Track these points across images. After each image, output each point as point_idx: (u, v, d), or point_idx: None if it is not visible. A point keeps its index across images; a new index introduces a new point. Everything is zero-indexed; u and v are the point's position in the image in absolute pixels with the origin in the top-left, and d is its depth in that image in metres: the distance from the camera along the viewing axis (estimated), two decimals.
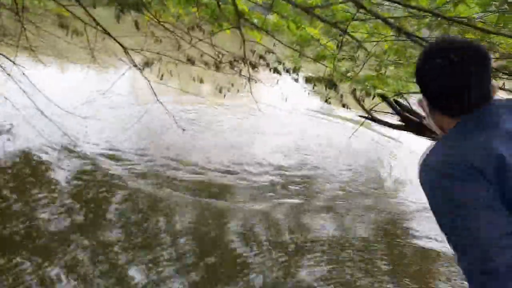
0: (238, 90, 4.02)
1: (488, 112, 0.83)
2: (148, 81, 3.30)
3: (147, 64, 3.52)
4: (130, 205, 2.38)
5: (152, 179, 3.01)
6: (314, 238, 2.26)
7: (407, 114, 2.88)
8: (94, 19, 3.02)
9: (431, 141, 3.67)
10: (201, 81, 3.80)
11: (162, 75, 3.63)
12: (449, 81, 0.84)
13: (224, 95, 4.06)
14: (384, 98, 3.40)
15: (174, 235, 2.11)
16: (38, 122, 3.55)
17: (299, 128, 5.27)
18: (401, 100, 3.23)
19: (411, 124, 2.53)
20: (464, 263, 0.76)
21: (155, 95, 3.38)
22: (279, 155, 3.89)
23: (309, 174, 3.47)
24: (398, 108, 3.07)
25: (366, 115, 3.34)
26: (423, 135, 2.92)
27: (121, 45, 3.21)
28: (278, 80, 4.22)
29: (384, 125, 3.19)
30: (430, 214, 0.79)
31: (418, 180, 0.85)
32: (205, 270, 1.81)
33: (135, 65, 3.34)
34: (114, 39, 3.12)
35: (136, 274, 1.81)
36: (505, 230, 0.73)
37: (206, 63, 3.81)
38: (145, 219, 2.22)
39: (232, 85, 4.10)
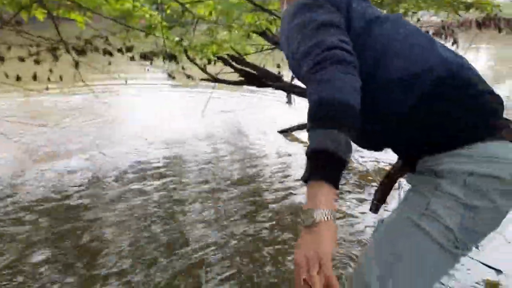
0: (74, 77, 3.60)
1: None
2: None
3: None
4: None
5: None
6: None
7: (246, 69, 3.08)
8: None
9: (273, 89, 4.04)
10: (18, 78, 3.26)
11: None
12: None
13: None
14: (223, 60, 3.54)
15: None
16: None
17: (151, 104, 5.10)
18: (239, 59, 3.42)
19: (251, 77, 2.73)
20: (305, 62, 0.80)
21: None
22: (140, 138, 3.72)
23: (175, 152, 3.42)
24: (238, 66, 3.26)
25: (208, 78, 3.44)
26: (264, 86, 3.18)
27: None
28: (110, 62, 3.92)
29: (228, 83, 3.36)
30: None
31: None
32: None
33: None
34: None
35: None
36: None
37: (22, 59, 3.28)
38: None
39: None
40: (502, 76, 9.48)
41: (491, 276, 1.73)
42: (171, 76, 4.36)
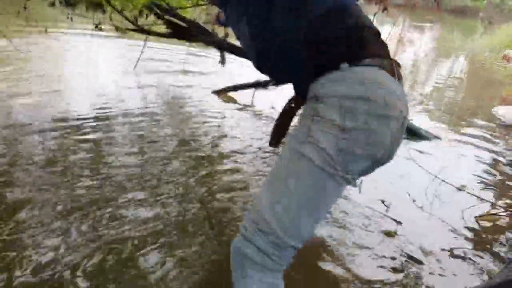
0: None
1: None
2: None
3: None
4: None
5: None
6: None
7: (177, 21, 2.93)
8: None
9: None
10: None
11: None
12: None
13: None
14: (155, 12, 3.33)
15: None
16: None
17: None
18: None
19: (181, 30, 2.60)
20: None
21: None
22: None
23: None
24: (169, 18, 3.09)
25: (136, 28, 3.23)
26: (194, 40, 3.04)
27: None
28: (25, 6, 3.53)
29: (156, 35, 3.18)
30: None
31: None
32: None
33: None
34: None
35: None
36: None
37: None
38: None
39: None
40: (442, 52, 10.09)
41: (393, 227, 1.92)
42: (98, 27, 4.05)
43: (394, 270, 1.63)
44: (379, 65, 0.90)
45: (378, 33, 0.96)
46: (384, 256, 1.71)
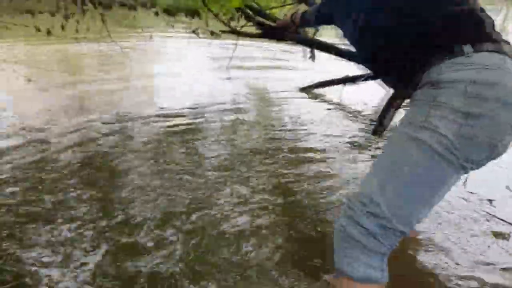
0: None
1: None
2: None
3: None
4: None
5: None
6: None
7: (267, 22, 3.03)
8: None
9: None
10: (49, 32, 3.38)
11: None
12: None
13: None
14: (246, 14, 3.49)
15: None
16: None
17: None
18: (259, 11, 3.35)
19: (271, 30, 2.70)
20: None
21: None
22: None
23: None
24: (257, 18, 3.21)
25: (228, 29, 3.41)
26: (284, 39, 3.12)
27: None
28: (135, 16, 3.99)
29: (248, 36, 3.32)
30: None
31: None
32: None
33: None
34: None
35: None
36: None
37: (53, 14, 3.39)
38: None
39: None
40: None
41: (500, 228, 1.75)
42: (195, 33, 4.40)
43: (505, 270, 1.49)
44: (502, 50, 0.87)
45: (491, 18, 0.94)
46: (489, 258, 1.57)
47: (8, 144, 2.34)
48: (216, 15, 3.59)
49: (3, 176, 1.96)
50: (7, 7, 3.09)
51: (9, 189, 1.87)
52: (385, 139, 2.66)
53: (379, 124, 1.11)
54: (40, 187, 1.89)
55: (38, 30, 3.17)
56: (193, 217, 1.72)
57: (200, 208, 1.79)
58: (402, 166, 0.89)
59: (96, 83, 3.81)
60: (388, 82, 1.11)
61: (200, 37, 4.17)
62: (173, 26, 4.47)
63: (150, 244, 1.52)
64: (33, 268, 1.36)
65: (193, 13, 3.86)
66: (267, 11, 3.32)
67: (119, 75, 4.09)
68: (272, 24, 2.74)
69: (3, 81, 3.79)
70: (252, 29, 3.63)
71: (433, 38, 0.90)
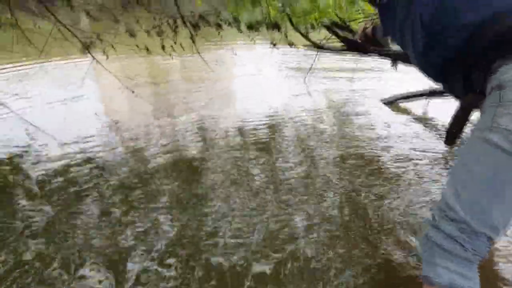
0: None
1: None
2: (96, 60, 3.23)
3: (89, 46, 3.42)
4: None
5: None
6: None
7: (349, 37, 3.02)
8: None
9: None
10: (147, 50, 3.74)
11: (106, 53, 3.55)
12: None
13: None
14: (327, 27, 3.51)
15: None
16: None
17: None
18: (342, 25, 3.36)
19: (354, 44, 2.69)
20: None
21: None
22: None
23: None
24: (340, 32, 3.21)
25: (313, 45, 3.46)
26: (368, 52, 3.08)
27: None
28: (220, 34, 4.22)
29: (329, 51, 3.33)
30: None
31: None
32: None
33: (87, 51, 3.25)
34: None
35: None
36: None
37: (147, 31, 3.76)
38: None
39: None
40: None
41: None
42: (273, 44, 4.52)
43: None
44: None
45: None
46: None
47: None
48: (295, 27, 3.65)
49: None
50: (108, 28, 3.51)
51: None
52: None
53: (450, 133, 1.10)
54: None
55: (138, 47, 3.54)
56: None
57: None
58: (473, 169, 0.91)
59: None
60: (456, 92, 1.11)
61: (278, 48, 4.30)
62: (254, 40, 4.64)
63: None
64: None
65: (273, 26, 3.97)
66: (348, 23, 3.29)
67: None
68: (351, 37, 2.72)
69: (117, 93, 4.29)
70: (334, 41, 3.64)
71: (496, 43, 0.92)
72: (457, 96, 1.14)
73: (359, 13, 3.80)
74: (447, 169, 2.34)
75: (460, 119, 1.07)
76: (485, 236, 0.91)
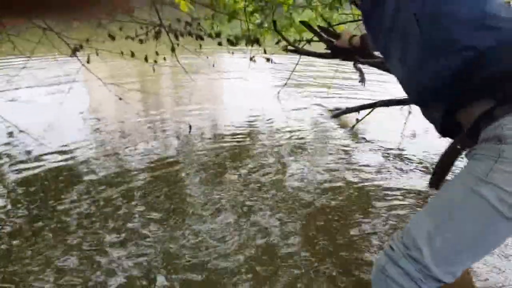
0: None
1: None
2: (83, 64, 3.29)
3: (75, 50, 3.47)
4: None
5: None
6: None
7: (334, 41, 3.07)
8: None
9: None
10: (133, 54, 3.81)
11: (88, 58, 3.60)
12: None
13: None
14: (312, 30, 3.51)
15: None
16: None
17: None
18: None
19: (339, 50, 2.71)
20: None
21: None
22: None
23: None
24: (325, 36, 3.23)
25: (291, 48, 3.48)
26: (351, 60, 3.06)
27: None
28: (201, 45, 4.35)
29: (313, 56, 3.32)
30: None
31: None
32: None
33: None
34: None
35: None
36: None
37: (131, 37, 3.85)
38: None
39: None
40: None
41: None
42: (252, 59, 4.70)
43: None
44: None
45: None
46: None
47: None
48: (279, 33, 3.65)
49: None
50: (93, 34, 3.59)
51: None
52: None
53: (438, 174, 1.04)
54: None
55: (122, 53, 3.62)
56: None
57: None
58: (455, 219, 0.87)
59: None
60: (431, 120, 1.07)
61: (256, 62, 4.47)
62: (233, 53, 4.82)
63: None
64: None
65: (252, 41, 4.17)
66: (332, 27, 3.23)
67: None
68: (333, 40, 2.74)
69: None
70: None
71: (498, 90, 0.86)
72: (432, 123, 1.07)
73: (348, 14, 3.91)
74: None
75: (448, 160, 1.02)
76: (441, 281, 0.90)
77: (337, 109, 4.13)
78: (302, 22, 2.80)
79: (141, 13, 3.82)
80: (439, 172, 1.03)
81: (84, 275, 1.55)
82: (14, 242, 1.76)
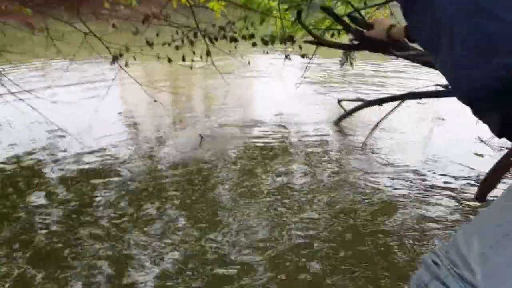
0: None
1: None
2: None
3: (115, 58, 3.61)
4: None
5: None
6: None
7: (364, 31, 2.98)
8: None
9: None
10: (169, 60, 3.91)
11: (126, 62, 3.73)
12: None
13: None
14: (342, 22, 3.37)
15: None
16: None
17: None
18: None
19: (370, 41, 2.59)
20: None
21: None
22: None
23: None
24: (355, 27, 3.13)
25: (313, 40, 3.36)
26: (384, 52, 2.94)
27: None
28: (236, 47, 4.38)
29: (334, 47, 3.20)
30: None
31: None
32: None
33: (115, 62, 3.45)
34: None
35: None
36: None
37: (167, 43, 3.95)
38: None
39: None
40: None
41: None
42: (287, 57, 4.68)
43: None
44: None
45: None
46: None
47: None
48: (307, 29, 3.61)
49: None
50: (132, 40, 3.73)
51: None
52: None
53: (485, 187, 0.95)
54: None
55: (158, 57, 3.74)
56: None
57: None
58: (510, 237, 0.79)
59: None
60: (491, 127, 0.93)
61: (290, 59, 4.44)
62: (267, 52, 4.82)
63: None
64: None
65: (288, 38, 4.14)
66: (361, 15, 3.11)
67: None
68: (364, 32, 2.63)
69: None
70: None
71: None
72: (486, 123, 0.89)
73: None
74: None
75: (497, 174, 0.92)
76: None
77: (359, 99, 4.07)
78: (323, 8, 2.60)
79: (176, 16, 3.92)
80: (489, 184, 0.93)
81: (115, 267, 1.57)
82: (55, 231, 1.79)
